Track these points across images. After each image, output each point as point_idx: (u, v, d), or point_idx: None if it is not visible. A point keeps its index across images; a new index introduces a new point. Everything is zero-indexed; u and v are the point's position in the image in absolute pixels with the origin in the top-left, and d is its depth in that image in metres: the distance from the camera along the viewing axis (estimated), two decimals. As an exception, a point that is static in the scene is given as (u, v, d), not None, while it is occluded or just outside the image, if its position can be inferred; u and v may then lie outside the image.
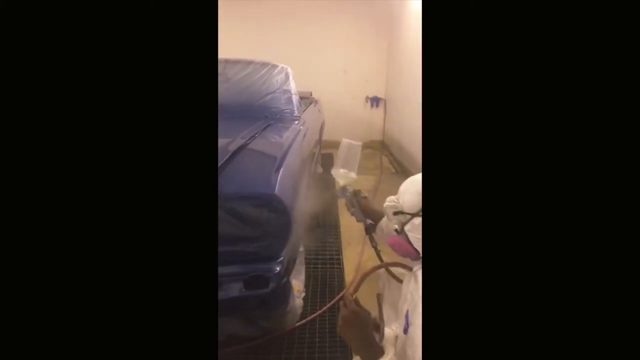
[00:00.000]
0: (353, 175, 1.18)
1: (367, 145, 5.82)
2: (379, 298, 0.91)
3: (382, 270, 1.07)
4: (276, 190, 1.32)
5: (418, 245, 0.86)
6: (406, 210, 0.86)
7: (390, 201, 0.90)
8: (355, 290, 0.91)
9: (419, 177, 0.88)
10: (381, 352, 0.80)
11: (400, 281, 1.00)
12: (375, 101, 5.82)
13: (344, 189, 1.21)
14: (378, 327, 0.84)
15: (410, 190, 0.88)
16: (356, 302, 0.85)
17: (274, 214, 1.31)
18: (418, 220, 0.85)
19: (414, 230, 0.86)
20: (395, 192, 0.93)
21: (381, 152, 5.51)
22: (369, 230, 1.18)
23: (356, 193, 1.21)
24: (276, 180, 1.38)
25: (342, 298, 0.85)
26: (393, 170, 4.67)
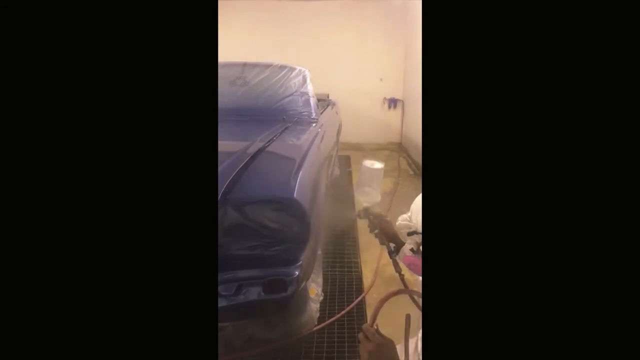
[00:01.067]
0: (377, 197, 1.12)
1: (384, 147, 5.79)
2: (408, 320, 0.89)
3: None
4: (295, 195, 1.32)
5: None
6: (420, 230, 0.85)
7: (402, 220, 0.91)
8: (374, 319, 0.86)
9: None
10: None
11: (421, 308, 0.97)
12: (393, 102, 5.77)
13: (366, 210, 1.15)
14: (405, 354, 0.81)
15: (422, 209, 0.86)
16: (378, 332, 0.80)
17: (293, 218, 1.31)
18: None
19: None
20: (413, 195, 0.91)
21: (399, 154, 5.46)
22: (392, 254, 1.11)
23: (379, 216, 1.15)
24: (295, 184, 1.37)
25: (361, 330, 0.78)
26: (411, 172, 4.62)
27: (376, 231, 1.13)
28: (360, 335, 0.78)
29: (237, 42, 4.96)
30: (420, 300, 0.95)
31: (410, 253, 0.86)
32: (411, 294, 0.98)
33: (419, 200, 0.90)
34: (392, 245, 1.12)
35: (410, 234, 0.88)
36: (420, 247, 0.86)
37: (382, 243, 1.12)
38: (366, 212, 1.15)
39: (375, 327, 0.82)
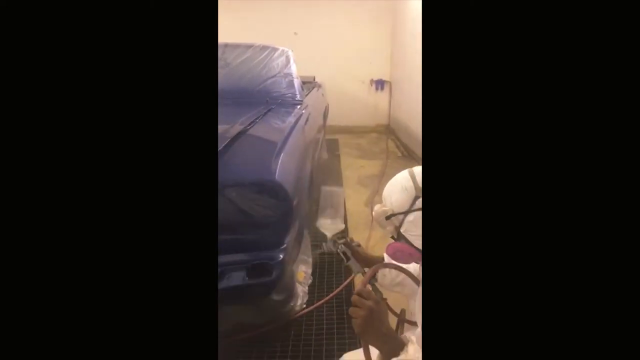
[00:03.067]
0: (340, 224, 1.03)
1: (372, 130, 5.76)
2: (402, 314, 0.87)
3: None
4: (277, 177, 1.28)
5: (419, 242, 0.82)
6: (397, 210, 0.84)
7: (378, 209, 0.86)
8: (366, 283, 0.83)
9: (399, 175, 0.86)
10: (402, 344, 0.75)
11: (418, 281, 0.94)
12: (380, 84, 5.71)
13: (334, 242, 1.03)
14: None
15: (395, 190, 0.85)
16: (369, 293, 0.79)
17: (276, 201, 1.27)
18: (412, 217, 0.82)
19: (411, 228, 0.83)
20: None
21: (387, 136, 5.43)
22: (371, 281, 0.99)
23: (348, 243, 1.04)
24: (277, 166, 1.33)
25: (356, 293, 0.78)
26: (399, 154, 4.60)
27: (349, 261, 1.02)
28: (354, 298, 0.76)
29: (220, 23, 4.82)
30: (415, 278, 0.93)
31: (396, 275, 0.81)
32: (402, 270, 0.95)
33: (388, 185, 0.88)
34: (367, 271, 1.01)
35: (388, 217, 0.85)
36: (401, 230, 0.84)
37: (356, 272, 1.01)
38: (334, 244, 1.04)
39: (368, 289, 0.81)
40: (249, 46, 2.65)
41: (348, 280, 2.05)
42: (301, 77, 2.84)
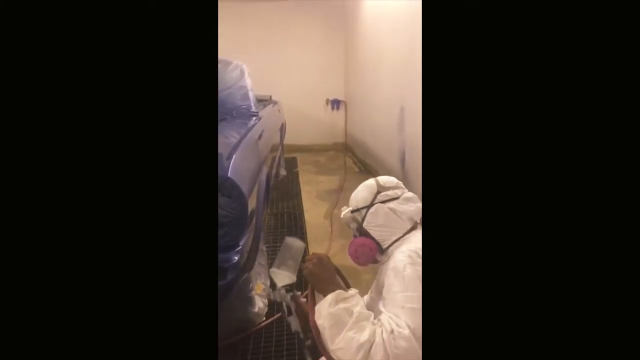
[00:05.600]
0: (292, 277, 0.98)
1: (330, 148, 5.82)
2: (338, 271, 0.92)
3: None
4: (229, 174, 1.24)
5: (380, 234, 0.93)
6: (360, 206, 0.95)
7: (345, 211, 0.99)
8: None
9: (367, 181, 1.00)
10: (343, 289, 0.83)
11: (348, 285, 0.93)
12: (335, 104, 5.83)
13: (279, 291, 0.97)
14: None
15: (359, 189, 0.99)
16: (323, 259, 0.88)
17: (228, 199, 1.22)
18: (373, 209, 0.94)
19: (372, 220, 0.94)
20: None
21: (344, 153, 5.50)
22: (311, 348, 0.91)
23: (296, 297, 0.97)
24: (229, 165, 1.29)
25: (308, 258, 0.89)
26: (357, 170, 4.67)
27: (289, 317, 0.94)
28: (309, 257, 0.89)
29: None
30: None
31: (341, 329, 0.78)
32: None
33: (355, 191, 1.00)
34: (308, 339, 0.94)
35: (354, 211, 0.96)
36: (364, 224, 0.94)
37: (295, 330, 0.95)
38: (279, 293, 0.97)
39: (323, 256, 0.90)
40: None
41: (307, 292, 1.99)
42: (257, 95, 2.83)
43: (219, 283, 1.19)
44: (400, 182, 1.01)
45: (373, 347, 0.70)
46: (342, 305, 0.76)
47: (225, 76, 2.58)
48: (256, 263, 1.61)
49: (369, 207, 0.94)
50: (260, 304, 1.76)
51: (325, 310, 0.77)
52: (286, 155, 4.63)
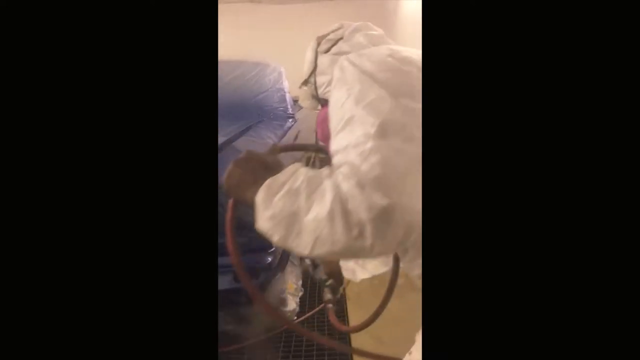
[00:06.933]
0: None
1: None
2: None
3: None
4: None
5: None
6: (308, 73, 0.80)
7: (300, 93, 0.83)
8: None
9: None
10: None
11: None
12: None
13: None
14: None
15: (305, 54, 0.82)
16: None
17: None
18: (318, 67, 0.77)
19: (324, 80, 0.76)
20: None
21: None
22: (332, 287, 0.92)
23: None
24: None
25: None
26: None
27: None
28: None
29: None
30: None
31: None
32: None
33: None
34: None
35: (303, 83, 0.83)
36: (318, 94, 0.79)
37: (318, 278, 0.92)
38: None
39: None
40: (240, 62, 2.70)
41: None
42: (294, 97, 2.88)
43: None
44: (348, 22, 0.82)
45: (348, 202, 0.49)
46: (280, 193, 0.54)
47: (264, 79, 2.65)
48: (288, 262, 1.65)
49: (315, 68, 0.75)
50: (293, 304, 1.80)
51: (263, 214, 0.54)
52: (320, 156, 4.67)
